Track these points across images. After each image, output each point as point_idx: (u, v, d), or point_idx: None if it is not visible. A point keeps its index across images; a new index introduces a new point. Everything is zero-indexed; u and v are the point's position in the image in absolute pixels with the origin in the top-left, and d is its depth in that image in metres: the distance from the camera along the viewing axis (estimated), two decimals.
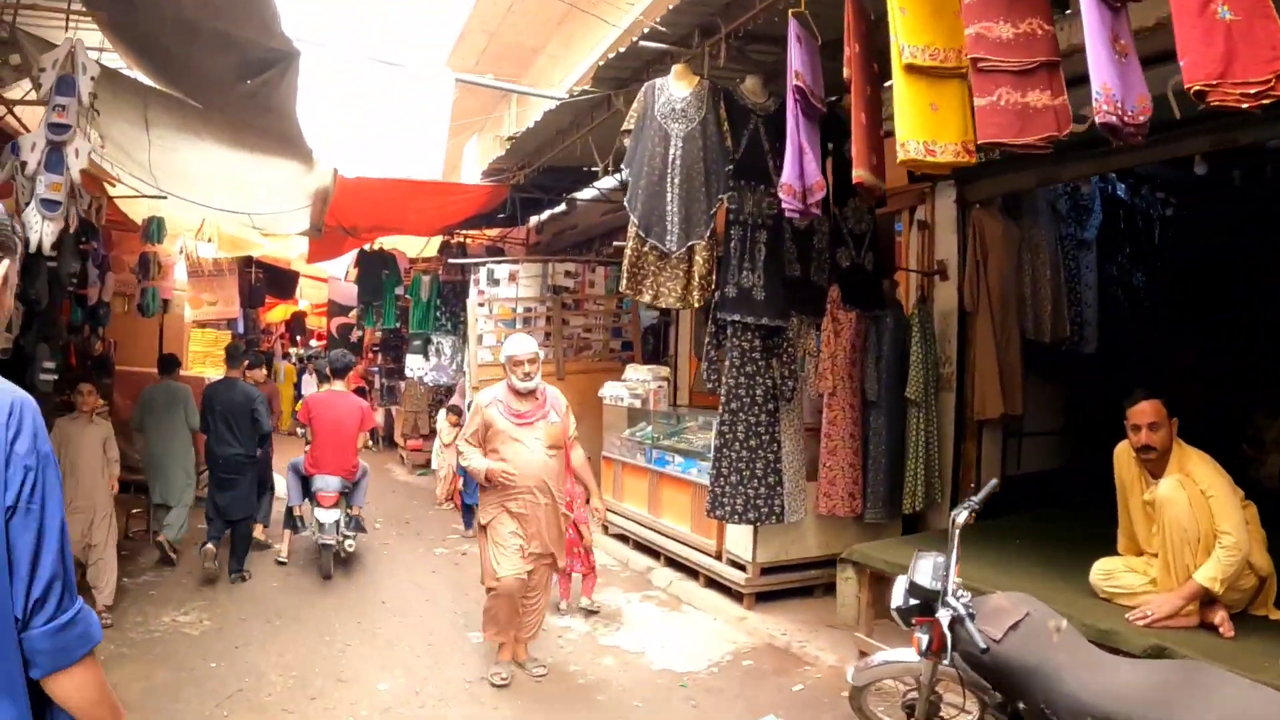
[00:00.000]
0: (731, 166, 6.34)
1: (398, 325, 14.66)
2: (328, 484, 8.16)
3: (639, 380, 9.57)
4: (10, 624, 1.50)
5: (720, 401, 6.58)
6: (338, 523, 8.11)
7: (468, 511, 9.97)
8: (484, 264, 11.28)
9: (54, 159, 5.12)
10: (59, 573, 1.55)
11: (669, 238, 6.20)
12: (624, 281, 6.19)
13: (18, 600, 1.51)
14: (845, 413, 7.45)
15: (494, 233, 15.61)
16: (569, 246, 14.56)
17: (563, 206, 14.00)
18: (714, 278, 6.33)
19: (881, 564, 5.95)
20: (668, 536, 8.60)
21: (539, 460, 5.86)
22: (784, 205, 5.45)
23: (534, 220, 15.23)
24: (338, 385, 8.82)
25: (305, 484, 8.42)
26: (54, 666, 1.55)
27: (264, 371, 9.66)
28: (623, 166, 6.35)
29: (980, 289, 7.47)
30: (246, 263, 18.46)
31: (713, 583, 7.83)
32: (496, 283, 11.13)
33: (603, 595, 7.75)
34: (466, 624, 7.01)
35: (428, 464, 14.75)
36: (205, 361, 15.84)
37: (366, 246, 13.83)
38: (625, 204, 6.28)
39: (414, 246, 15.26)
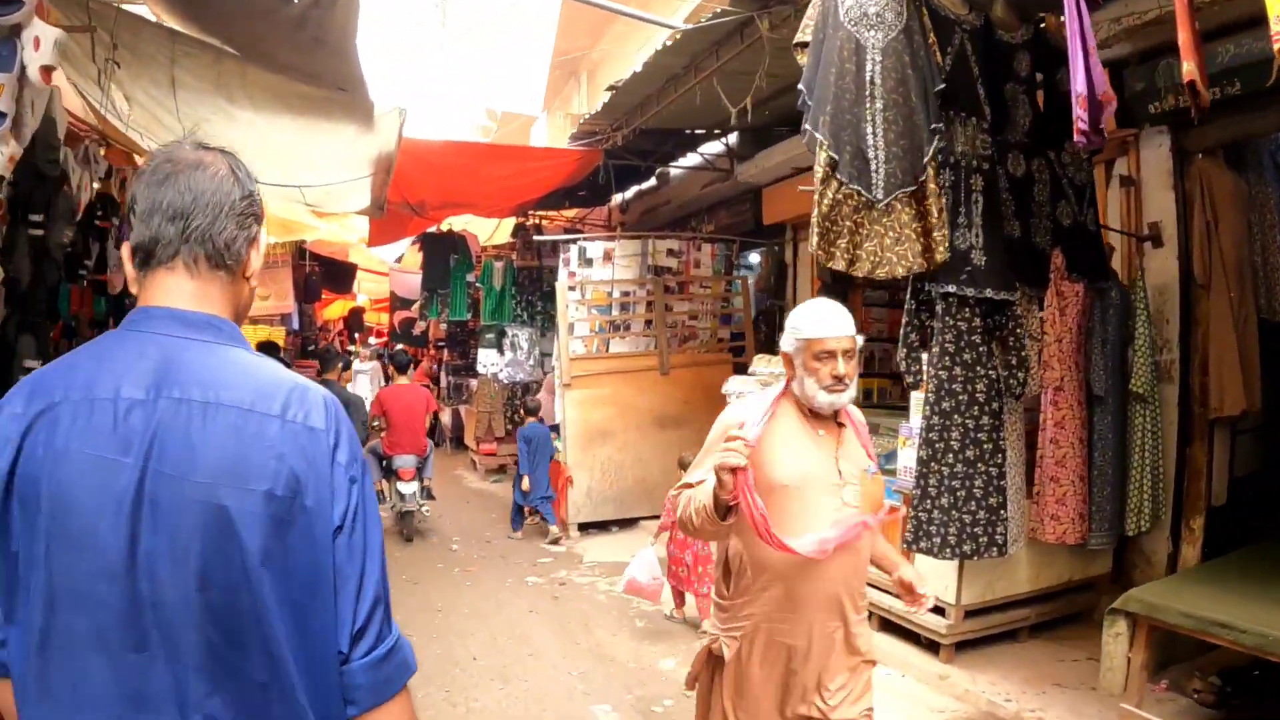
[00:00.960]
0: (940, 90, 4.70)
1: (468, 317, 13.11)
2: (406, 461, 9.38)
3: (770, 373, 7.87)
4: (334, 660, 1.34)
5: (925, 400, 4.97)
6: (415, 493, 9.39)
7: (518, 513, 9.75)
8: (575, 241, 9.66)
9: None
10: (382, 596, 1.39)
11: (873, 180, 4.55)
12: (813, 240, 4.52)
13: (343, 631, 1.34)
14: (1073, 411, 5.80)
15: (572, 213, 14.08)
16: (661, 227, 12.94)
17: (653, 181, 12.39)
18: (945, 234, 4.66)
19: (1182, 619, 4.34)
20: None
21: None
22: (1077, 123, 3.80)
23: (617, 198, 13.63)
24: (403, 379, 10.16)
25: (382, 464, 9.47)
26: (375, 702, 1.39)
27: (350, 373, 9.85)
28: (800, 87, 4.68)
29: (1212, 257, 5.85)
30: (300, 255, 17.44)
31: (892, 626, 6.16)
32: (589, 263, 9.52)
33: None
34: (588, 691, 5.40)
35: (502, 469, 13.25)
36: None
37: (433, 228, 12.31)
38: (807, 127, 4.60)
39: (483, 232, 13.74)
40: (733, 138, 10.35)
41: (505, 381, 13.23)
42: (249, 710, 1.30)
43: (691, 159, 10.69)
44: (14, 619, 1.30)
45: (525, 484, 9.31)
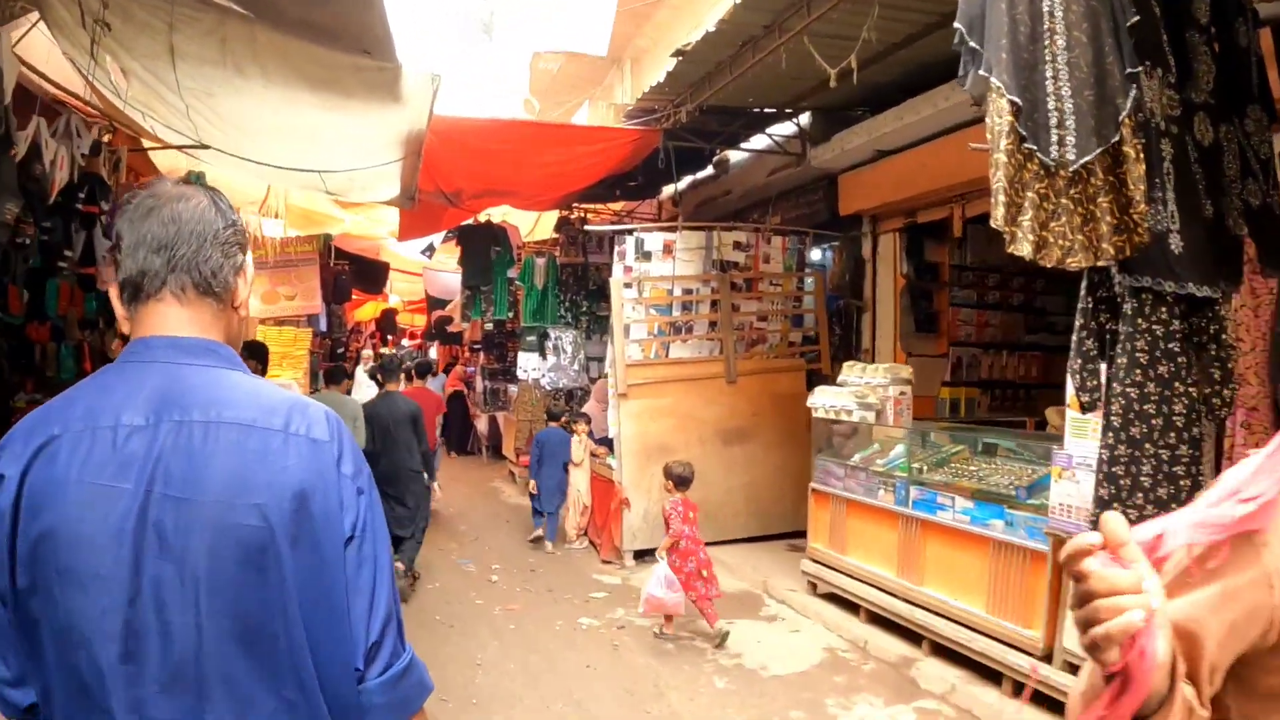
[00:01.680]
0: (1134, 25, 3.60)
1: (511, 315, 12.04)
2: None
3: (867, 384, 6.76)
4: (351, 678, 1.31)
5: (1107, 425, 3.85)
6: None
7: (537, 515, 9.36)
8: (632, 232, 8.56)
9: None
10: (393, 613, 1.37)
11: (1055, 139, 3.45)
12: (998, 214, 3.40)
13: (357, 648, 1.31)
14: (1269, 435, 4.55)
15: (619, 206, 12.99)
16: (720, 220, 11.83)
17: (709, 170, 11.27)
18: (1145, 210, 3.53)
19: None
20: (939, 614, 5.78)
21: None
22: None
23: (669, 190, 12.52)
24: (417, 383, 10.18)
25: None
26: None
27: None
28: (956, 25, 3.55)
29: None
30: (329, 253, 16.54)
31: (1022, 690, 5.03)
32: (647, 256, 8.43)
33: (845, 700, 4.98)
34: None
35: None
36: (282, 364, 13.58)
37: (469, 220, 11.27)
38: (980, 73, 3.47)
39: (522, 226, 12.70)
40: (805, 118, 9.23)
41: (547, 387, 12.17)
42: None
43: (758, 141, 9.55)
44: (36, 657, 1.26)
45: (532, 487, 9.19)
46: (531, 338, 12.12)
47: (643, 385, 8.18)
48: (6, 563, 1.24)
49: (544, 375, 12.06)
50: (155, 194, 1.41)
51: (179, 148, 6.83)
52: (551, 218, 12.71)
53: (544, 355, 12.04)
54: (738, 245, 8.91)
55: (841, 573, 6.77)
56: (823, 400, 6.95)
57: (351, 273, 17.81)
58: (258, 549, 1.25)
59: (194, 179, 6.81)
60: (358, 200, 8.64)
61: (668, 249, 8.47)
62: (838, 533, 6.84)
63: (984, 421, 8.58)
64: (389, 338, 26.88)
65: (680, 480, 6.66)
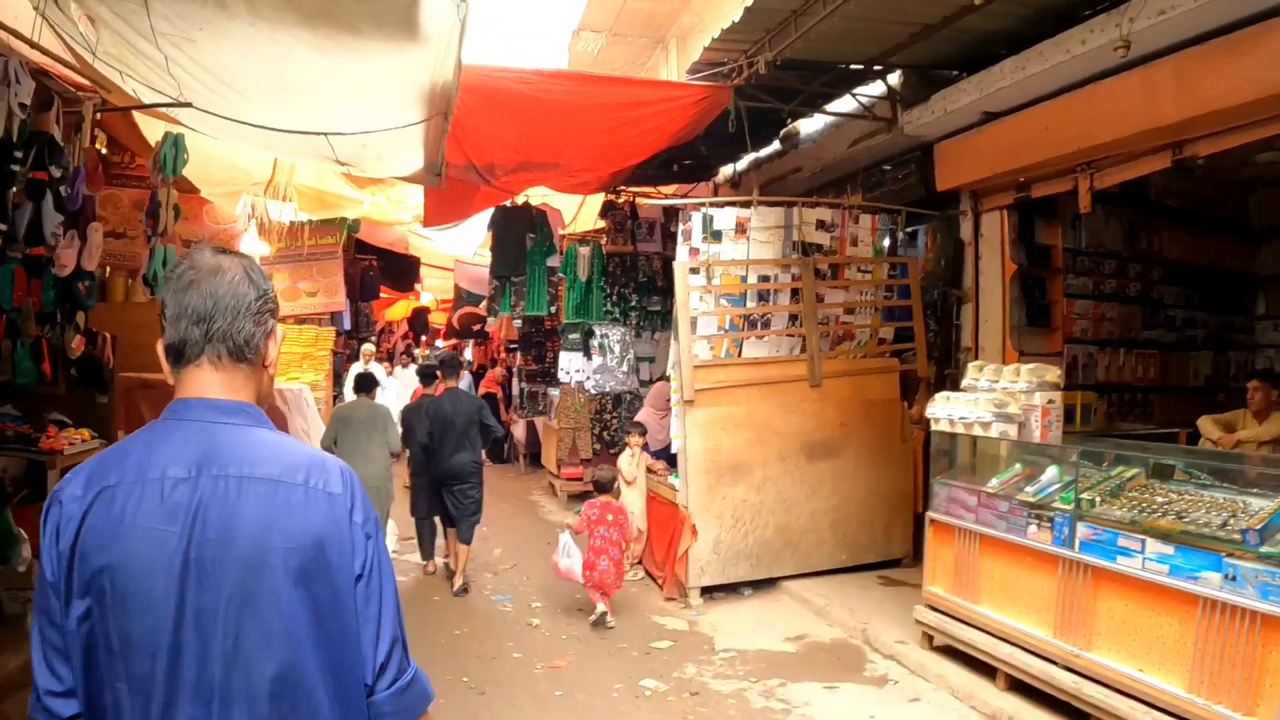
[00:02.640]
0: None
1: (549, 311, 10.69)
2: None
3: (1005, 389, 5.39)
4: (361, 692, 1.55)
5: None
6: None
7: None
8: (701, 207, 7.20)
9: None
10: (399, 636, 1.61)
11: None
12: None
13: (367, 667, 1.55)
14: None
15: (670, 189, 11.68)
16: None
17: (775, 146, 9.91)
18: None
19: None
20: (1116, 690, 4.40)
21: None
22: None
23: (727, 171, 11.20)
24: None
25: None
26: None
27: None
28: None
29: None
30: (357, 248, 15.39)
31: None
32: (717, 237, 7.07)
33: None
34: None
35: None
36: (302, 365, 12.47)
37: (507, 201, 9.97)
38: None
39: (564, 213, 11.41)
40: (895, 78, 7.85)
41: (593, 391, 10.86)
42: None
43: (844, 104, 8.18)
44: (88, 672, 1.46)
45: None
46: (574, 335, 10.82)
47: (713, 390, 6.84)
48: (64, 591, 1.46)
49: (589, 378, 10.76)
50: (195, 265, 1.60)
51: (155, 107, 5.61)
52: (595, 205, 11.43)
53: (589, 355, 10.75)
54: (821, 225, 7.54)
55: (970, 625, 5.40)
56: (947, 410, 5.57)
57: (380, 268, 16.73)
58: (284, 586, 1.47)
59: (171, 142, 5.59)
60: (375, 174, 7.40)
61: (740, 228, 7.12)
62: (966, 575, 5.45)
63: (1121, 435, 7.15)
64: (421, 338, 25.75)
65: (599, 485, 7.16)
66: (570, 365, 10.86)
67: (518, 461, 14.69)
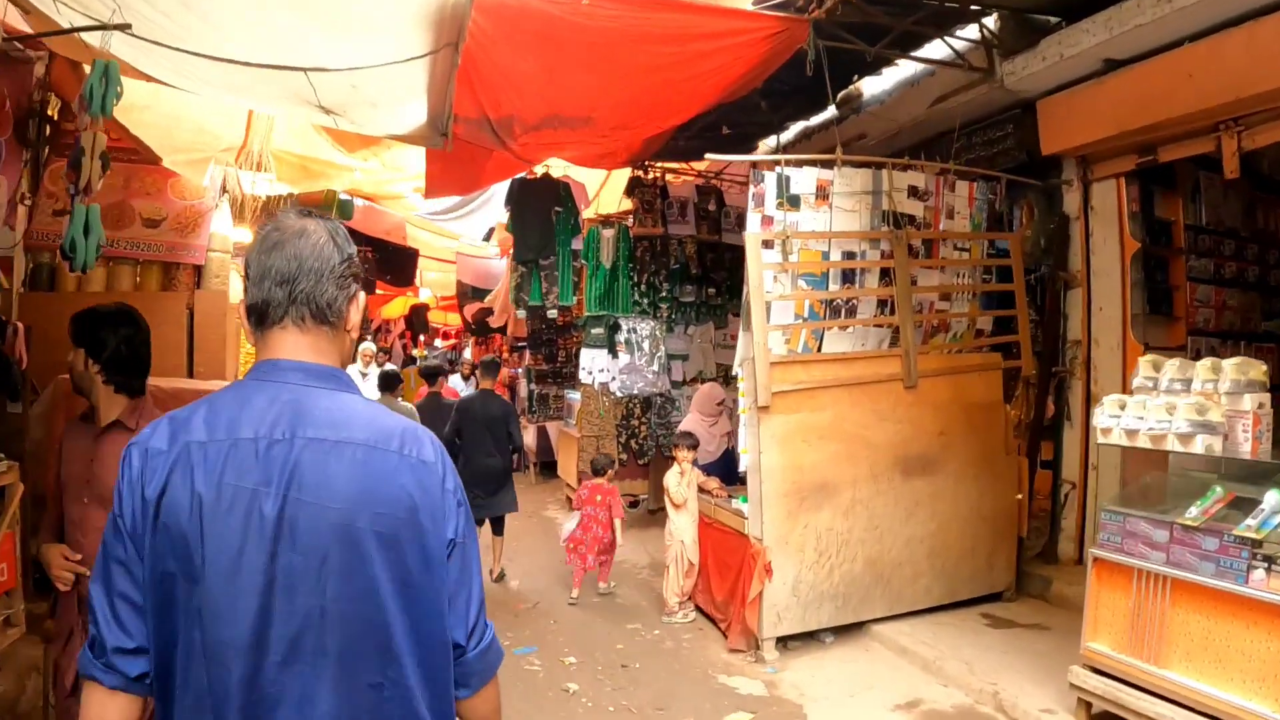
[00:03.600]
0: None
1: (574, 300, 9.23)
2: None
3: (1200, 391, 4.07)
4: (445, 654, 1.57)
5: None
6: None
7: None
8: (777, 165, 5.82)
9: None
10: (482, 599, 1.65)
11: None
12: None
13: (459, 630, 1.59)
14: None
15: (703, 165, 10.35)
16: None
17: (828, 113, 8.57)
18: None
19: None
20: None
21: None
22: None
23: (768, 143, 9.88)
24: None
25: None
26: (483, 683, 1.67)
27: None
28: None
29: None
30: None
31: None
32: (794, 203, 5.71)
33: None
34: None
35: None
36: None
37: (524, 174, 8.59)
38: None
39: (586, 187, 10.07)
40: (991, 22, 6.54)
41: (619, 394, 9.52)
42: (367, 707, 1.47)
43: (933, 49, 6.86)
44: (163, 633, 1.45)
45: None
46: (598, 330, 9.47)
47: (793, 393, 5.51)
48: (146, 542, 1.46)
49: (614, 378, 9.41)
50: (280, 228, 1.61)
51: (79, 31, 4.26)
52: (617, 185, 10.08)
53: (614, 353, 9.40)
54: (914, 192, 6.22)
55: (1153, 693, 4.08)
56: (1124, 419, 4.24)
57: (375, 260, 15.40)
58: (376, 549, 1.47)
59: (100, 72, 4.27)
60: (368, 130, 6.04)
61: (821, 193, 5.78)
62: (1148, 631, 4.13)
63: None
64: (420, 337, 24.38)
65: (595, 467, 7.39)
66: (593, 364, 9.52)
67: (528, 470, 13.34)
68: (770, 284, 5.55)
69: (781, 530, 5.47)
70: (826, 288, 5.81)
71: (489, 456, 7.60)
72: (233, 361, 8.21)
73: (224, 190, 8.06)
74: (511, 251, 8.72)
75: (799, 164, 5.75)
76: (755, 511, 5.51)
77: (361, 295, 1.68)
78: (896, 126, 7.75)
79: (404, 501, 1.50)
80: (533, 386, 13.19)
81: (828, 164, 5.85)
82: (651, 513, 9.82)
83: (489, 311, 15.80)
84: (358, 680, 1.45)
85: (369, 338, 16.52)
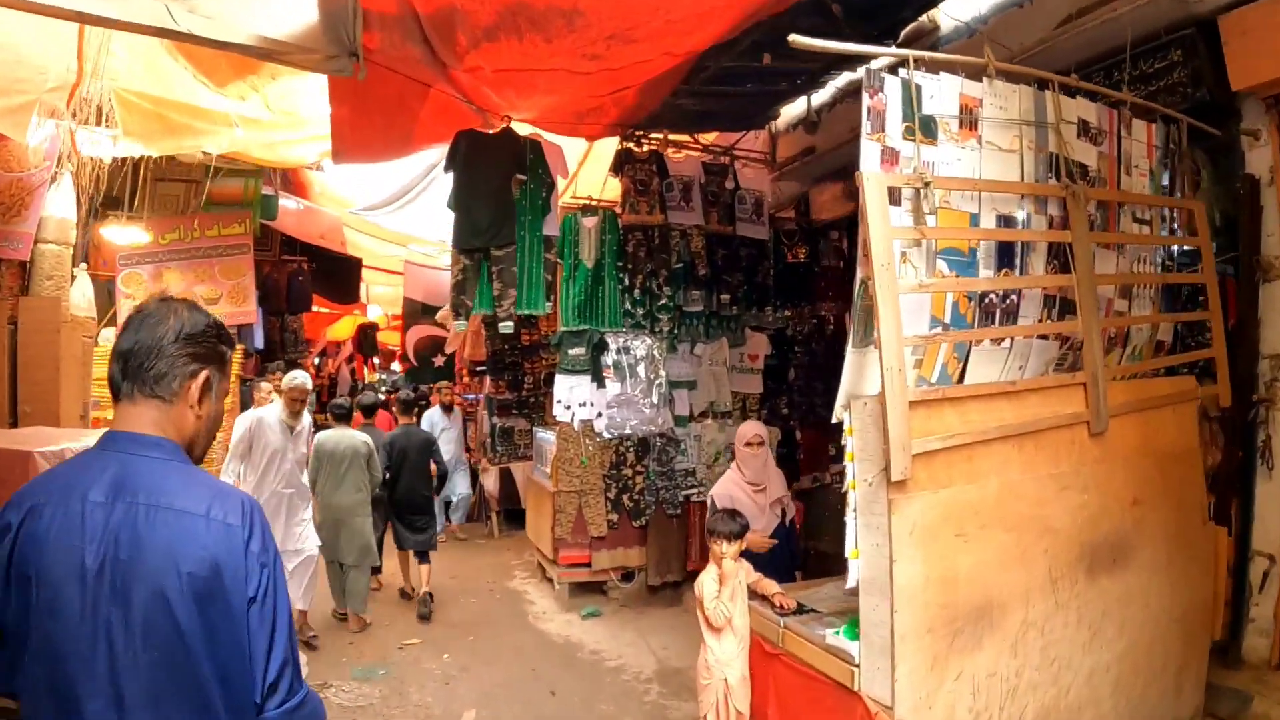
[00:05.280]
0: None
1: (547, 309, 6.78)
2: None
3: None
4: (251, 709, 1.69)
5: None
6: None
7: None
8: (900, 68, 3.50)
9: None
10: (289, 658, 1.74)
11: None
12: None
13: (256, 686, 1.69)
14: None
15: (710, 138, 8.22)
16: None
17: (887, 59, 6.42)
18: None
19: None
20: None
21: None
22: None
23: (794, 109, 7.78)
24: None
25: None
26: None
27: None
28: None
29: None
30: (285, 246, 12.17)
31: None
32: (929, 130, 3.39)
33: None
34: None
35: (602, 592, 7.39)
36: None
37: (473, 129, 6.22)
38: None
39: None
40: None
41: (607, 435, 7.22)
42: None
43: None
44: (17, 669, 1.65)
45: None
46: (576, 350, 7.16)
47: (941, 453, 3.20)
48: (2, 599, 1.65)
49: (599, 414, 7.12)
50: (141, 310, 1.80)
51: None
52: (601, 159, 7.85)
53: (599, 380, 7.11)
54: (1084, 130, 4.00)
55: None
56: None
57: (313, 273, 13.11)
58: (183, 603, 1.62)
59: None
60: (231, 31, 3.72)
61: (968, 117, 3.52)
62: None
63: None
64: (370, 360, 21.90)
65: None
66: (571, 395, 7.20)
67: (489, 522, 10.97)
68: (907, 259, 3.27)
69: (923, 689, 3.16)
70: (976, 272, 3.55)
71: (416, 487, 7.65)
72: (77, 397, 5.86)
73: (64, 160, 5.73)
74: (451, 236, 6.28)
75: (934, 67, 3.48)
76: (876, 658, 3.21)
77: (205, 374, 1.80)
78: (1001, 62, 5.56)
79: (208, 561, 1.64)
80: (494, 419, 10.85)
81: (976, 72, 3.60)
82: (653, 590, 7.50)
83: (439, 341, 13.46)
84: (174, 717, 1.62)
85: (305, 360, 14.03)
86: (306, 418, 6.61)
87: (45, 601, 1.61)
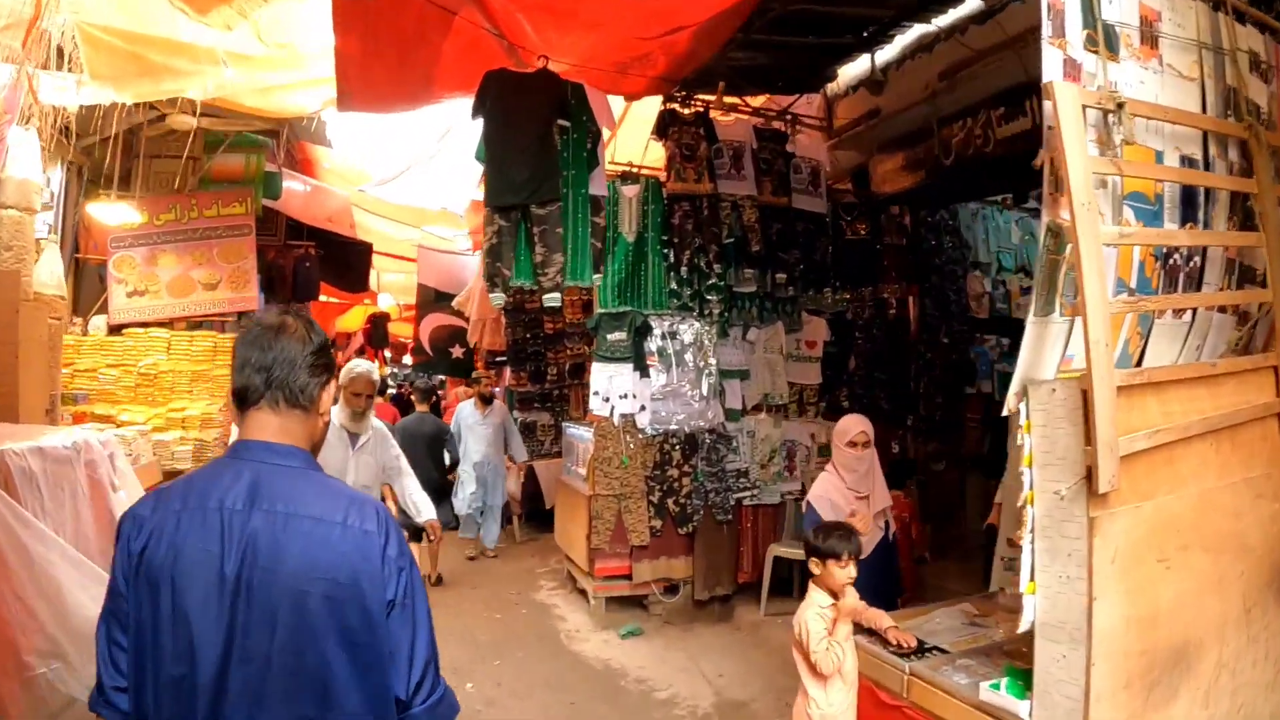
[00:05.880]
0: None
1: (593, 280, 5.83)
2: None
3: None
4: (393, 707, 1.73)
5: None
6: None
7: None
8: None
9: None
10: (432, 656, 1.79)
11: None
12: None
13: (399, 684, 1.73)
14: None
15: (759, 101, 7.40)
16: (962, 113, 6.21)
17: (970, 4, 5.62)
18: None
19: None
20: None
21: None
22: None
23: (854, 69, 6.98)
24: None
25: None
26: None
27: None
28: None
29: None
30: (292, 231, 11.41)
31: None
32: (1111, 44, 2.55)
33: None
34: None
35: (642, 607, 6.54)
36: (193, 389, 8.36)
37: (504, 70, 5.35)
38: None
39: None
40: None
41: (650, 431, 6.40)
42: None
43: None
44: (141, 670, 1.68)
45: None
46: (616, 335, 6.32)
47: (1143, 455, 2.38)
48: (133, 597, 1.68)
49: (644, 407, 6.30)
50: (260, 323, 1.85)
51: None
52: (641, 122, 7.02)
53: (642, 368, 6.29)
54: (1254, 64, 3.15)
55: None
56: None
57: (321, 259, 12.30)
58: (319, 610, 1.65)
59: None
60: None
61: (1148, 31, 2.68)
62: None
63: None
64: (380, 353, 21.12)
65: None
66: (610, 386, 6.37)
67: (511, 524, 10.15)
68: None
69: None
70: (1161, 224, 2.72)
71: (429, 473, 7.54)
72: (41, 388, 5.09)
73: (26, 114, 4.93)
74: (483, 193, 5.39)
75: None
76: (1059, 716, 2.38)
77: (332, 384, 1.89)
78: None
79: (345, 568, 1.67)
80: (515, 414, 10.05)
81: None
82: (700, 604, 6.68)
83: (457, 331, 12.61)
84: (298, 713, 1.63)
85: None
86: (376, 422, 4.86)
87: (179, 607, 1.63)
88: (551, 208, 5.23)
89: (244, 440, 1.79)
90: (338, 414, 4.50)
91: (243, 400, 1.81)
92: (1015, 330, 8.76)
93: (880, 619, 3.41)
